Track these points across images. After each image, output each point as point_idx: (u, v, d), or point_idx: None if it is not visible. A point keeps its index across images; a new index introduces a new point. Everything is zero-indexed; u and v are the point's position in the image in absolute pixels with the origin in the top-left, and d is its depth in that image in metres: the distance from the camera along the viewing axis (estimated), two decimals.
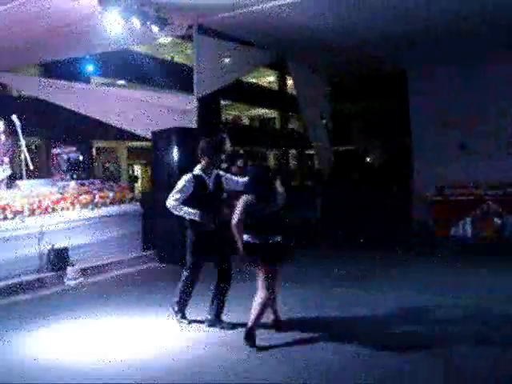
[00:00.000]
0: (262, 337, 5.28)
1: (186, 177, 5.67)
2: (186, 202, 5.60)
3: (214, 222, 5.63)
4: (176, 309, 5.93)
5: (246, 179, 5.78)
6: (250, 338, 5.02)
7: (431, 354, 4.71)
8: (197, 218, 5.55)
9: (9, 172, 9.59)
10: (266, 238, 5.21)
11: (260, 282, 5.21)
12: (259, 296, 5.16)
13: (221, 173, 5.90)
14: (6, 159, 9.58)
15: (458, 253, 9.83)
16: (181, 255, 9.33)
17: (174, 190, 5.64)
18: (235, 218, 5.20)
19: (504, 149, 13.38)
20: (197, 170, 5.73)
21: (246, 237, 5.23)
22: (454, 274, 7.93)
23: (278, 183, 5.50)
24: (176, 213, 5.66)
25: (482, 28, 10.77)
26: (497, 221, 11.38)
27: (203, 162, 5.76)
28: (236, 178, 6.04)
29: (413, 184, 15.03)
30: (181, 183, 5.65)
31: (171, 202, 5.61)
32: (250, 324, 5.07)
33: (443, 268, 8.40)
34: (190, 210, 5.56)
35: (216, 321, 5.71)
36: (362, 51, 12.55)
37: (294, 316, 5.89)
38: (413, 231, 12.85)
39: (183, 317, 5.91)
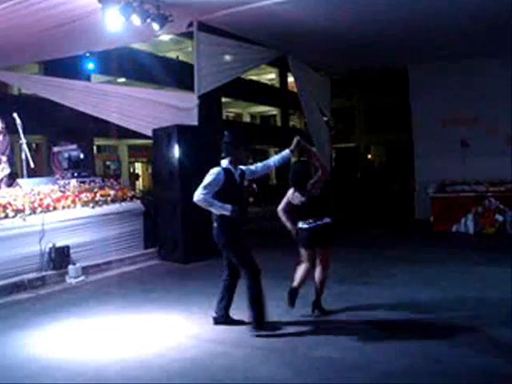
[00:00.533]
0: (264, 334, 5.28)
1: (215, 170, 5.47)
2: (213, 196, 5.40)
3: (243, 217, 5.58)
4: (259, 321, 5.41)
5: (260, 164, 5.86)
6: (319, 307, 5.91)
7: (435, 352, 4.70)
8: (227, 213, 5.35)
9: (8, 170, 9.60)
10: (315, 222, 5.74)
11: (320, 262, 5.85)
12: (320, 274, 5.86)
13: (243, 167, 5.74)
14: (4, 158, 9.59)
15: (459, 249, 9.81)
16: (182, 253, 9.44)
17: (202, 184, 5.41)
18: (280, 205, 5.93)
19: (505, 145, 13.40)
20: (225, 164, 5.55)
21: (301, 223, 5.80)
22: (455, 270, 7.91)
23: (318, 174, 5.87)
24: (205, 206, 5.43)
25: (482, 26, 10.76)
26: (498, 217, 11.39)
27: (230, 157, 5.56)
28: (253, 167, 5.87)
29: (414, 181, 15.07)
30: (209, 177, 5.43)
31: (199, 195, 5.35)
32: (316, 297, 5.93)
33: (444, 264, 8.37)
34: (221, 204, 5.37)
35: (224, 317, 5.62)
36: (362, 48, 12.53)
37: (295, 312, 5.87)
38: (414, 228, 12.88)
39: (275, 326, 5.49)
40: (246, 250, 5.56)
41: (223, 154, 5.61)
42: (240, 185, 5.68)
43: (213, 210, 5.46)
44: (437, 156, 13.96)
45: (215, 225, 5.57)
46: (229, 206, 5.35)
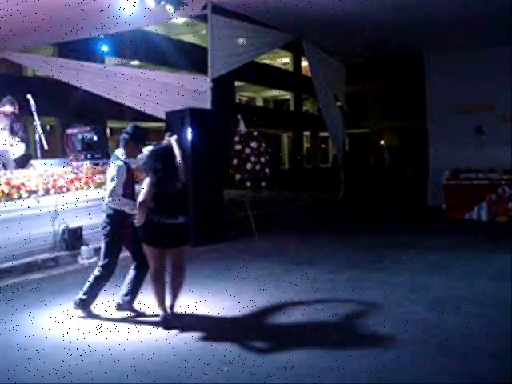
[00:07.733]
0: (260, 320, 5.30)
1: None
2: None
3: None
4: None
5: (143, 155, 5.79)
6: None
7: (429, 342, 4.69)
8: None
9: (22, 151, 9.65)
10: (175, 218, 5.20)
11: (175, 264, 5.32)
12: (179, 276, 5.31)
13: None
14: (17, 139, 9.63)
15: (472, 237, 9.75)
16: (193, 237, 9.42)
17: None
18: (141, 197, 5.07)
19: None
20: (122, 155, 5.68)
21: (154, 217, 5.12)
22: (467, 258, 7.87)
23: (178, 161, 5.48)
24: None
25: (499, 14, 10.60)
26: None
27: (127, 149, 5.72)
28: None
29: (428, 168, 14.99)
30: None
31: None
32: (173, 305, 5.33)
33: (457, 252, 8.33)
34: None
35: (127, 306, 5.72)
36: (377, 33, 12.41)
37: (303, 298, 5.88)
38: (427, 215, 12.82)
39: None
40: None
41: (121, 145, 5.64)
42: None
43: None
44: (451, 143, 13.84)
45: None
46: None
